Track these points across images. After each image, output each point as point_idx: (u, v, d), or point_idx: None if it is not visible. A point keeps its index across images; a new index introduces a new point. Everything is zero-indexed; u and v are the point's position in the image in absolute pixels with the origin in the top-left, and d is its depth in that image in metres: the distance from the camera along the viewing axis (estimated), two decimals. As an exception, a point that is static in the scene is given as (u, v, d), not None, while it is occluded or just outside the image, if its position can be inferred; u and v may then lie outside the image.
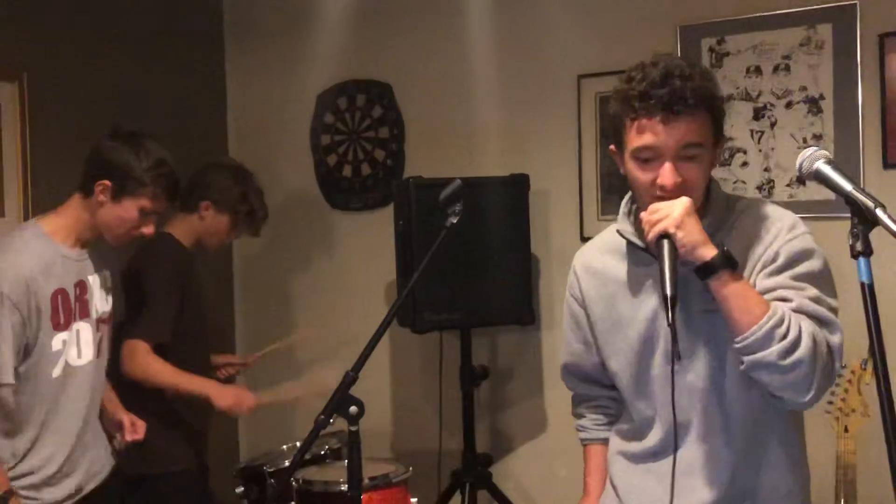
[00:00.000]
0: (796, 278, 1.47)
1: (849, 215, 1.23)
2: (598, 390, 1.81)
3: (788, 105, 2.77)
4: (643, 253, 1.58)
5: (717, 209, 1.57)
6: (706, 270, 1.42)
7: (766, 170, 2.81)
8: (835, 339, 1.45)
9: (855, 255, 1.18)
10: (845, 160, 2.59)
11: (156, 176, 2.08)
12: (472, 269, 2.90)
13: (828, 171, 1.28)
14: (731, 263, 1.42)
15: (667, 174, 1.46)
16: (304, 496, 2.41)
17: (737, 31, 2.83)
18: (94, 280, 2.14)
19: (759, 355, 1.39)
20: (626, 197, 1.66)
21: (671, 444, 1.59)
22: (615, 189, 3.06)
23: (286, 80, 3.67)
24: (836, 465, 2.13)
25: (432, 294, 2.86)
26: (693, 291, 1.49)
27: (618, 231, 1.66)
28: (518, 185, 2.99)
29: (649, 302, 1.57)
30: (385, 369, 3.52)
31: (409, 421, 3.51)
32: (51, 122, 2.95)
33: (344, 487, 2.26)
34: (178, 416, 2.61)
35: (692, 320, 1.53)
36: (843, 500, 2.11)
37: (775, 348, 1.38)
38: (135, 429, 2.24)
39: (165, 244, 2.66)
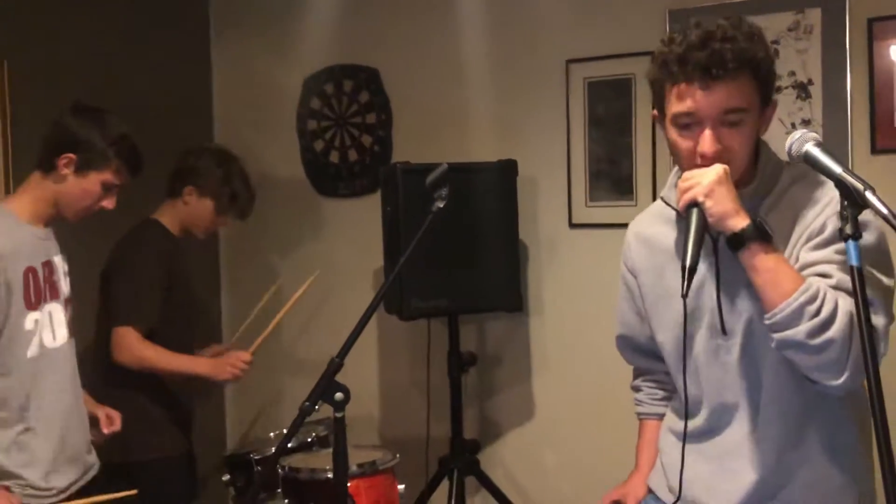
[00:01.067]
0: (842, 252, 1.35)
1: (838, 200, 1.22)
2: (655, 364, 1.75)
3: (777, 90, 2.76)
4: None
5: (765, 176, 1.50)
6: (736, 241, 1.37)
7: (754, 155, 2.81)
8: (879, 320, 1.35)
9: (844, 238, 1.17)
10: (834, 145, 2.58)
11: (119, 150, 2.09)
12: (459, 255, 2.89)
13: (817, 153, 1.27)
14: (762, 235, 1.36)
15: (706, 142, 1.41)
16: (291, 483, 2.41)
17: (726, 15, 2.81)
18: (58, 261, 2.12)
19: (787, 333, 1.33)
20: (676, 168, 1.59)
21: (719, 425, 1.54)
22: (603, 175, 3.05)
23: (272, 64, 3.63)
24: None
25: (420, 281, 2.85)
26: (740, 266, 1.42)
27: (661, 198, 1.61)
28: (506, 171, 2.97)
29: (696, 276, 1.47)
30: (373, 356, 3.51)
31: (396, 408, 3.50)
32: (34, 109, 2.90)
33: (330, 475, 2.26)
34: (162, 404, 2.59)
35: (738, 295, 1.46)
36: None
37: (804, 327, 1.31)
38: (111, 420, 2.22)
39: (152, 231, 2.64)
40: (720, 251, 1.47)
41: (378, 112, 3.47)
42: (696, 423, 1.58)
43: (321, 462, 2.41)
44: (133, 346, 2.44)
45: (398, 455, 2.50)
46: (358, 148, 3.53)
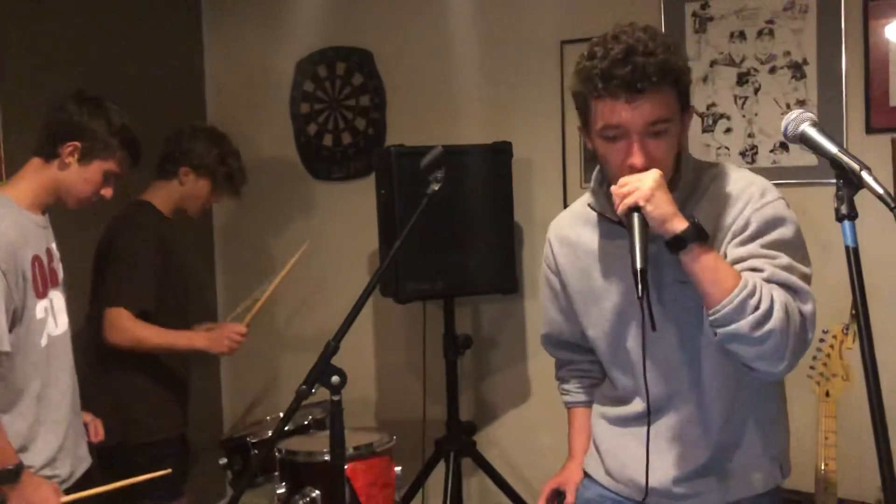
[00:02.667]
0: (768, 246, 1.46)
1: (831, 181, 1.22)
2: (579, 355, 1.83)
3: (772, 70, 2.75)
4: (616, 225, 1.58)
5: (687, 178, 1.56)
6: (676, 244, 1.41)
7: (749, 135, 2.80)
8: (807, 307, 1.44)
9: (840, 219, 1.17)
10: (828, 125, 2.57)
11: (123, 140, 2.10)
12: (454, 238, 2.89)
13: (813, 133, 1.26)
14: (701, 236, 1.41)
15: (635, 155, 1.45)
16: (288, 466, 2.41)
17: (720, -5, 2.80)
18: (54, 248, 2.12)
19: (731, 328, 1.39)
20: (597, 170, 1.64)
21: (656, 412, 1.61)
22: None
23: (264, 46, 3.61)
24: (816, 429, 2.15)
25: (415, 264, 2.85)
26: (666, 262, 1.49)
27: (589, 205, 1.66)
28: (501, 153, 2.96)
29: (623, 274, 1.57)
30: (369, 339, 3.51)
31: (392, 390, 3.51)
32: (23, 94, 2.88)
33: (327, 457, 2.26)
34: (157, 386, 2.59)
35: (665, 291, 1.53)
36: (823, 464, 2.13)
37: (747, 320, 1.37)
38: (96, 430, 2.24)
39: (145, 213, 2.63)
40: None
41: (371, 94, 3.45)
42: (632, 409, 1.65)
43: (318, 445, 2.42)
44: (126, 327, 2.43)
45: (395, 437, 2.51)
46: (351, 131, 3.51)
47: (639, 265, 1.38)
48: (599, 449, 1.74)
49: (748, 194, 1.51)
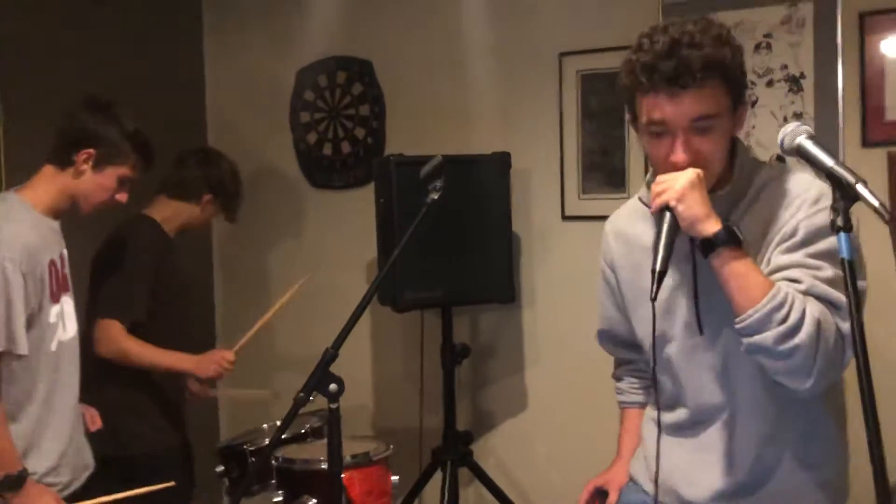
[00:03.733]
0: (814, 256, 1.39)
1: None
2: (635, 354, 1.77)
3: (769, 83, 2.77)
4: None
5: (741, 177, 1.50)
6: (706, 247, 1.38)
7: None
8: (846, 325, 1.34)
9: (836, 231, 1.18)
10: (825, 139, 2.59)
11: (136, 144, 2.13)
12: (453, 247, 2.89)
13: (809, 146, 1.28)
14: (732, 240, 1.36)
15: (677, 152, 1.41)
16: (285, 475, 2.41)
17: (718, 9, 2.81)
18: (65, 254, 2.13)
19: (755, 338, 1.35)
20: (651, 171, 1.60)
21: (700, 420, 1.55)
22: (596, 167, 3.06)
23: (265, 55, 3.62)
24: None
25: (413, 273, 2.85)
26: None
27: (640, 199, 1.63)
28: (499, 164, 2.98)
29: (673, 273, 1.50)
30: (366, 348, 3.52)
31: (390, 399, 3.51)
32: (23, 100, 2.89)
33: (324, 466, 2.26)
34: (153, 397, 2.59)
35: (715, 296, 1.46)
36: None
37: (771, 333, 1.32)
38: (93, 419, 2.25)
39: (147, 226, 2.64)
40: (697, 255, 1.48)
41: (371, 104, 3.47)
42: (677, 416, 1.60)
43: (315, 453, 2.42)
44: (115, 339, 2.43)
45: (391, 446, 2.51)
46: (351, 140, 3.52)
47: (658, 266, 1.35)
48: (646, 454, 1.68)
49: (801, 199, 1.44)
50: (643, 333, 1.62)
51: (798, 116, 2.72)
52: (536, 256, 3.19)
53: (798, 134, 1.29)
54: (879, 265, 2.51)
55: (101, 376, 2.49)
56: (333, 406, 1.65)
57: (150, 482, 2.06)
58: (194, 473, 2.73)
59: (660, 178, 1.43)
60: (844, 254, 1.16)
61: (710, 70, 1.39)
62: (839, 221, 1.18)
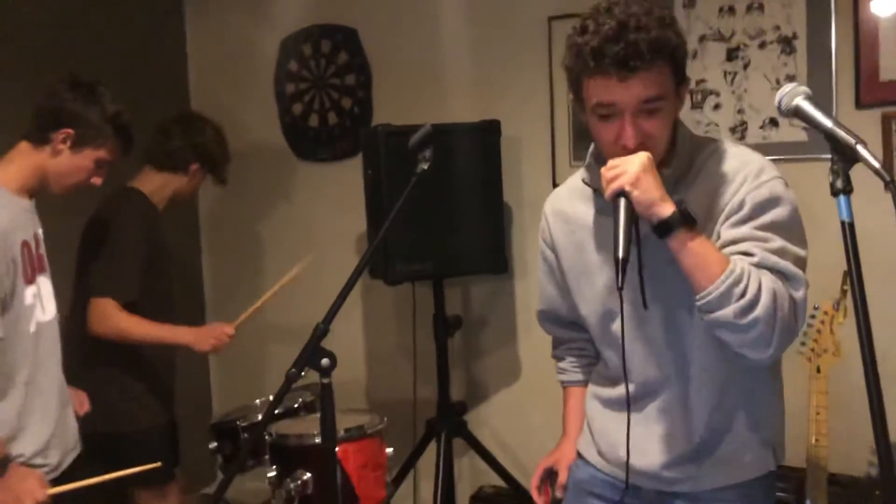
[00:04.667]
0: (762, 228, 1.43)
1: (821, 157, 1.20)
2: (576, 333, 1.80)
3: (762, 45, 2.73)
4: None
5: (683, 155, 1.52)
6: (662, 229, 1.39)
7: (739, 111, 2.78)
8: (798, 293, 1.41)
9: (835, 193, 1.15)
10: (818, 100, 2.56)
11: (116, 127, 2.08)
12: (443, 218, 2.86)
13: (808, 107, 1.25)
14: (688, 221, 1.38)
15: (627, 135, 1.42)
16: (279, 450, 2.40)
17: (710, -30, 2.77)
18: (41, 234, 2.09)
19: (716, 314, 1.37)
20: (592, 145, 1.62)
21: (647, 393, 1.59)
22: (587, 134, 3.01)
23: (247, 25, 3.55)
24: (807, 405, 2.15)
25: (404, 245, 2.82)
26: (657, 242, 1.45)
27: (583, 181, 1.63)
28: (489, 132, 2.94)
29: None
30: (358, 321, 3.50)
31: (383, 372, 3.50)
32: (2, 75, 2.82)
33: (318, 440, 2.25)
34: (142, 375, 2.56)
35: (658, 270, 1.50)
36: (814, 439, 2.14)
37: (732, 307, 1.35)
38: (81, 402, 2.23)
39: (134, 200, 2.59)
40: (640, 231, 1.49)
41: (357, 73, 3.41)
42: (620, 391, 1.62)
43: (308, 427, 2.40)
44: (111, 317, 2.40)
45: (385, 419, 2.50)
46: (337, 110, 3.47)
47: (620, 254, 1.36)
48: (592, 429, 1.73)
49: (744, 173, 1.47)
50: (587, 311, 1.65)
51: (791, 79, 2.68)
52: (528, 225, 3.16)
53: (796, 95, 1.27)
54: (876, 226, 2.50)
55: (89, 354, 2.46)
56: (325, 380, 1.63)
57: (136, 460, 2.04)
58: (179, 452, 2.71)
59: (611, 162, 1.43)
60: (844, 216, 1.14)
61: (658, 53, 1.40)
62: (839, 183, 1.15)
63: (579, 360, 1.83)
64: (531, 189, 3.13)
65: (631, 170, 1.39)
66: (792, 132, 2.68)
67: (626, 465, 1.61)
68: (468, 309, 3.29)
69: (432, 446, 2.98)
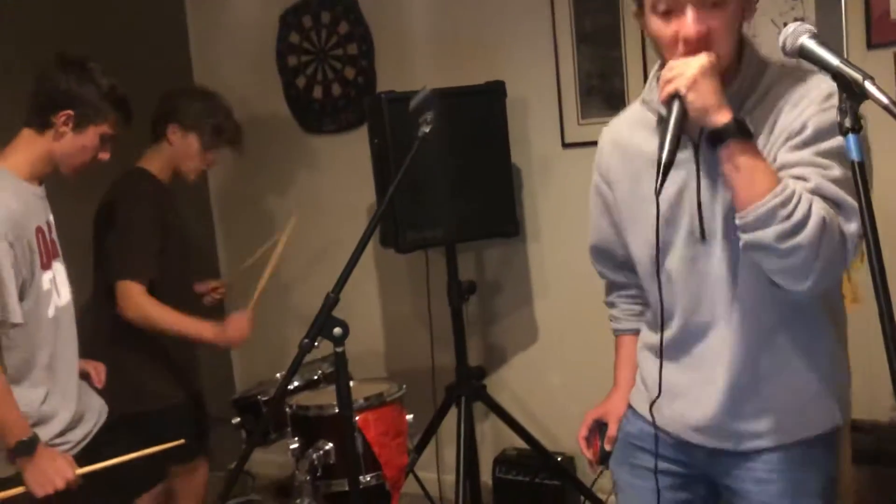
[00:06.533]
0: (822, 154, 1.31)
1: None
2: (629, 277, 1.70)
3: (768, -12, 2.67)
4: None
5: (749, 72, 1.43)
6: (715, 137, 1.31)
7: (747, 60, 2.73)
8: (851, 227, 1.29)
9: (844, 133, 1.13)
10: (828, 42, 2.51)
11: (114, 101, 2.07)
12: (452, 183, 2.84)
13: (813, 45, 1.21)
14: (743, 132, 1.30)
15: (689, 24, 1.33)
16: (300, 421, 2.42)
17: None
18: (52, 219, 2.10)
19: (756, 234, 1.29)
20: (657, 64, 1.50)
21: (695, 334, 1.50)
22: (595, 90, 2.98)
23: (247, 1, 3.52)
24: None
25: (414, 212, 2.81)
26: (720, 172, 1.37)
27: (642, 100, 1.54)
28: (494, 94, 2.90)
29: (675, 179, 1.43)
30: (374, 290, 3.50)
31: (400, 340, 3.51)
32: (2, 55, 2.81)
33: (337, 410, 2.27)
34: (164, 352, 2.58)
35: (718, 200, 1.41)
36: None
37: (773, 230, 1.26)
38: (98, 374, 2.24)
39: (141, 179, 2.59)
40: (701, 154, 1.42)
41: (359, 42, 3.37)
42: (669, 333, 1.54)
43: (328, 398, 2.42)
44: (141, 305, 2.42)
45: (405, 386, 2.51)
46: (341, 81, 3.44)
47: (664, 157, 1.28)
48: (645, 381, 1.64)
49: (812, 96, 1.36)
50: (637, 246, 1.57)
51: (799, 21, 2.62)
52: (538, 187, 3.13)
53: (800, 34, 1.23)
54: (889, 167, 2.46)
55: (115, 336, 2.49)
56: (339, 349, 1.64)
57: (164, 438, 2.06)
58: (208, 428, 2.73)
59: (670, 63, 1.35)
60: (854, 155, 1.11)
61: None
62: (847, 122, 1.12)
63: (632, 308, 1.74)
64: (539, 149, 3.10)
65: (688, 73, 1.31)
66: (809, 67, 2.62)
67: (652, 404, 1.53)
68: (482, 274, 3.29)
69: (453, 412, 3.00)
